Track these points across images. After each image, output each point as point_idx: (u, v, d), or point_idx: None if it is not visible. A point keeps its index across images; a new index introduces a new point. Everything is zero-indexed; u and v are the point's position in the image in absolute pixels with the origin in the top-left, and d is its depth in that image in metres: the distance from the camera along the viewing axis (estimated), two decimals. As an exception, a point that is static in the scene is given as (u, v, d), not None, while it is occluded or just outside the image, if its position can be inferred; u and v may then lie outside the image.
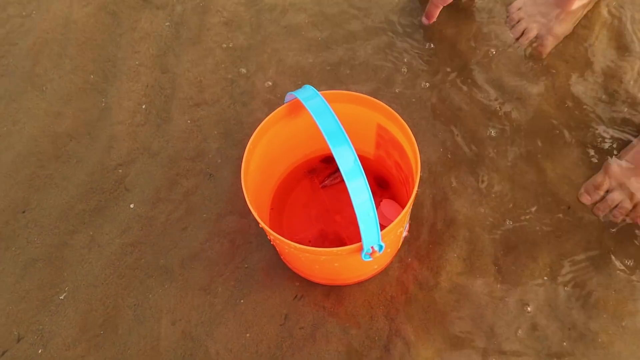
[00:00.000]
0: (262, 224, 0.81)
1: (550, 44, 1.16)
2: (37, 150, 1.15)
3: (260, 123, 0.89)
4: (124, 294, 1.00)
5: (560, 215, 1.01)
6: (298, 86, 1.18)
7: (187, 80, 1.21)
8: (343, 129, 0.74)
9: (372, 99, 0.89)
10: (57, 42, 1.27)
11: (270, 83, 1.19)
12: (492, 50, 1.19)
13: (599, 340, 0.91)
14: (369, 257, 0.79)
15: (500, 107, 1.13)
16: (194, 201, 1.08)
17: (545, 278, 0.96)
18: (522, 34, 1.19)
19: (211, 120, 1.16)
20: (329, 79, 1.19)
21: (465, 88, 1.16)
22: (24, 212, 1.09)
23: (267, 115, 0.89)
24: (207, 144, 1.13)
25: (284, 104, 0.90)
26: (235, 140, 1.13)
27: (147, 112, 1.18)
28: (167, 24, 1.29)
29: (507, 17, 1.22)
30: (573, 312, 0.93)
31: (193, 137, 1.14)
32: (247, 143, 0.86)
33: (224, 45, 1.25)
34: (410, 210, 0.85)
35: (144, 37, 1.27)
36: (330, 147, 0.73)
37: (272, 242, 0.96)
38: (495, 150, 1.08)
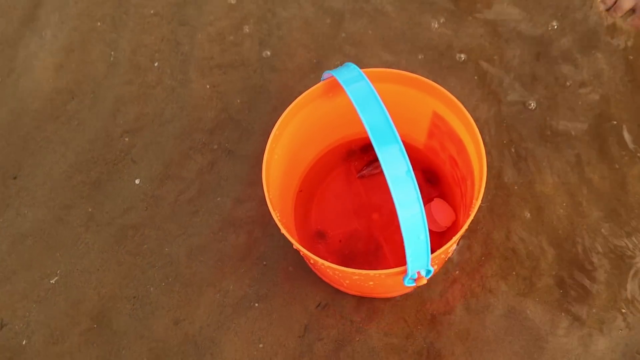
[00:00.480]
0: (283, 230, 0.66)
1: None
2: (34, 107, 1.00)
3: (291, 94, 0.72)
4: (123, 284, 0.87)
5: (645, 233, 0.84)
6: (338, 51, 1.00)
7: (208, 36, 1.03)
8: (394, 125, 0.57)
9: (430, 82, 0.72)
10: (62, -20, 1.10)
11: (306, 45, 1.01)
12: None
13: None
14: (413, 283, 0.64)
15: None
16: (209, 181, 0.92)
17: (624, 310, 0.79)
18: (614, 3, 0.98)
19: (234, 86, 0.99)
20: (376, 42, 1.00)
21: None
22: (15, 178, 0.95)
23: (298, 85, 0.72)
24: (227, 115, 0.97)
25: (320, 81, 0.72)
26: (261, 112, 0.96)
27: (160, 71, 1.01)
28: (189, -34, 1.11)
29: None
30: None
31: (212, 105, 0.98)
32: (275, 121, 0.70)
33: (254, -3, 1.07)
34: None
35: (162, -19, 1.09)
36: (375, 147, 0.56)
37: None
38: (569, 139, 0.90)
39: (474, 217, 0.82)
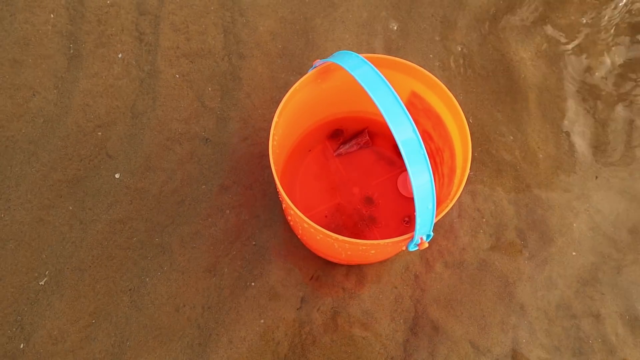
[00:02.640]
0: (300, 214, 0.71)
1: None
2: (-7, 107, 0.96)
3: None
4: (117, 278, 0.89)
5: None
6: (302, 35, 1.04)
7: (172, 25, 1.03)
8: (403, 104, 0.64)
9: (412, 64, 0.79)
10: (5, -29, 1.05)
11: (271, 32, 1.04)
12: None
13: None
14: (416, 248, 0.72)
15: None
16: (190, 170, 0.95)
17: (574, 253, 0.93)
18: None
19: (203, 75, 1.00)
20: (335, 29, 1.05)
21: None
22: (-17, 182, 0.92)
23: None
24: (200, 103, 0.99)
25: (312, 69, 0.77)
26: (234, 99, 0.99)
27: (125, 62, 1.00)
28: (139, -47, 1.09)
29: None
30: (604, 289, 0.91)
31: (183, 94, 0.99)
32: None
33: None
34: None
35: (114, -31, 1.07)
36: (389, 124, 0.63)
37: (290, 222, 0.86)
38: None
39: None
